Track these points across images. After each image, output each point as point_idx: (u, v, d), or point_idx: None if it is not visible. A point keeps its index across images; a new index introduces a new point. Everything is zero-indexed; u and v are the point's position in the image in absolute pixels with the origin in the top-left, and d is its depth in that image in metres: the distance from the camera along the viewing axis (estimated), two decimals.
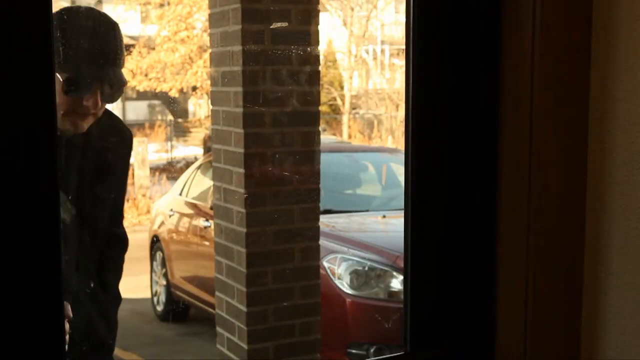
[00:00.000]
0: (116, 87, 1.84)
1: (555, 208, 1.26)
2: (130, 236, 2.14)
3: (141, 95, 14.62)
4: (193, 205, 5.67)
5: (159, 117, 15.71)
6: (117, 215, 2.09)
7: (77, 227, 1.90)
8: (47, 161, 0.93)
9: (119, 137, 2.03)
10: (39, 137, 0.92)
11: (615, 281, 1.24)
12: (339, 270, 4.04)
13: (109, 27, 1.83)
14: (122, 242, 2.12)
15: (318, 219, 3.42)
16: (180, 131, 15.22)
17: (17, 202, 0.92)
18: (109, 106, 1.91)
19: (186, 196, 5.88)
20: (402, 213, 1.37)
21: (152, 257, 6.04)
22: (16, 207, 0.92)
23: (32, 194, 0.92)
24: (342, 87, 14.68)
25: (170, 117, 15.62)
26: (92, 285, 1.97)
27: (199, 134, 14.38)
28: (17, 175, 0.91)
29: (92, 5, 2.10)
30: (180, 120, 15.63)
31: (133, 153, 2.17)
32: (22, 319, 0.94)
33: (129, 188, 9.88)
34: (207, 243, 5.03)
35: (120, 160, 2.05)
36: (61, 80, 1.76)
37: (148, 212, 9.35)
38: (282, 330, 3.35)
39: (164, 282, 5.78)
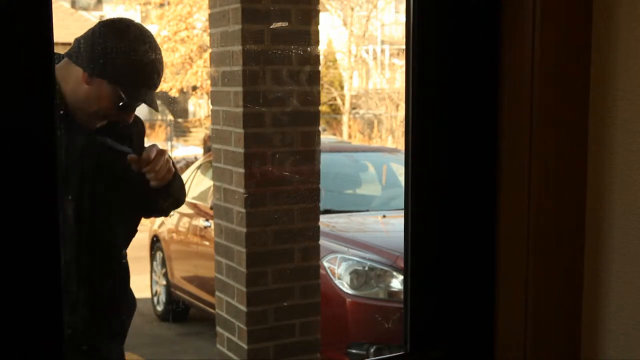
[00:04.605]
0: (151, 107, 1.88)
1: (555, 208, 1.26)
2: None
3: None
4: (193, 205, 5.67)
5: (159, 117, 15.70)
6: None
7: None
8: (47, 160, 0.93)
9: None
10: (39, 136, 0.92)
11: (615, 281, 1.24)
12: (339, 270, 4.04)
13: (156, 51, 1.83)
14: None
15: (318, 219, 3.41)
16: (180, 131, 15.21)
17: (16, 202, 0.92)
18: None
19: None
20: (402, 213, 1.37)
21: (152, 257, 6.03)
22: (16, 207, 0.92)
23: (32, 193, 0.92)
24: (342, 87, 14.66)
25: (170, 117, 15.62)
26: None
27: (199, 134, 14.38)
28: (17, 175, 0.91)
29: (129, 17, 2.09)
30: (180, 120, 15.62)
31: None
32: (22, 318, 0.94)
33: None
34: (207, 243, 5.02)
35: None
36: (111, 89, 1.77)
37: None
38: (282, 330, 3.35)
39: (164, 282, 5.77)
